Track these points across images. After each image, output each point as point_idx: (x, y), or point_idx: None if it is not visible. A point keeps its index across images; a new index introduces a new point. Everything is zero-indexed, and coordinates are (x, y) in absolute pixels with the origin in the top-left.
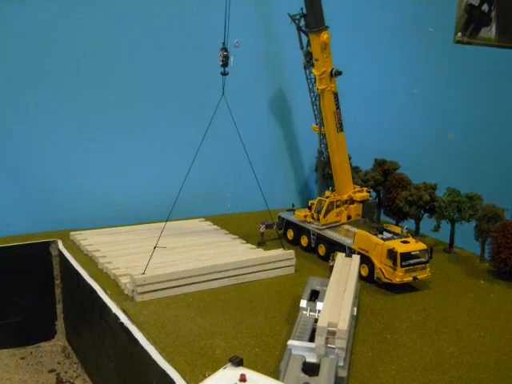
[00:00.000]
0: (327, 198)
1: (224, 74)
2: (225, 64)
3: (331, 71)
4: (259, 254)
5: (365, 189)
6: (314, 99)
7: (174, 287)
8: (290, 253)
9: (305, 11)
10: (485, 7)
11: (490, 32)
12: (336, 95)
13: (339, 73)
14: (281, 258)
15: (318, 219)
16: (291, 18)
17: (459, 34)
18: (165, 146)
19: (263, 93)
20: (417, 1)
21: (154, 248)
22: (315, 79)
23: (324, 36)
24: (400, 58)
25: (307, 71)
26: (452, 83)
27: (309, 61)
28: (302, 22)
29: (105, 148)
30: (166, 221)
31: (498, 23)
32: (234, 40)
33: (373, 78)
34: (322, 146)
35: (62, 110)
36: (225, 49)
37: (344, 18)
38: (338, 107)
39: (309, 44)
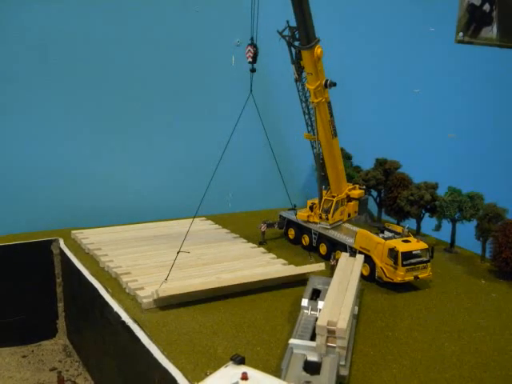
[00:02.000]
0: (333, 197)
1: (252, 70)
2: (253, 61)
3: (325, 83)
4: (282, 270)
5: (357, 186)
6: (306, 110)
7: (192, 301)
8: (320, 264)
9: (292, 24)
10: (486, 7)
11: (492, 32)
12: (329, 104)
13: (333, 84)
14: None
15: (327, 218)
16: (280, 34)
17: (460, 33)
18: (166, 147)
19: (264, 96)
20: (418, 0)
21: (178, 253)
22: (309, 93)
23: (318, 50)
24: (401, 58)
25: (298, 84)
26: (452, 83)
27: (300, 74)
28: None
29: (106, 148)
30: (194, 217)
31: (499, 23)
32: (236, 39)
33: (374, 78)
34: (317, 149)
35: (63, 110)
36: (254, 45)
37: (345, 18)
38: (331, 115)
39: (300, 58)
